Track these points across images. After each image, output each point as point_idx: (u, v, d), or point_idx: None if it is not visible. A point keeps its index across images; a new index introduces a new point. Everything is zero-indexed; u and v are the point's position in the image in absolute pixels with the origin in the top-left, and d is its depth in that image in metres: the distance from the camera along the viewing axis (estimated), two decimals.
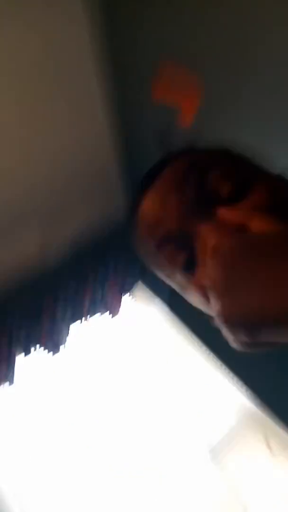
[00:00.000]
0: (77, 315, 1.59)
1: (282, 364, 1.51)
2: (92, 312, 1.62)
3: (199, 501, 1.33)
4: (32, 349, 1.49)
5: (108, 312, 1.63)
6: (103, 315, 1.64)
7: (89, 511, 1.31)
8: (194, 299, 0.43)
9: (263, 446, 1.44)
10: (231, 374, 1.52)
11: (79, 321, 1.59)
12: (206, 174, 0.40)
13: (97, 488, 1.36)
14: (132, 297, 1.72)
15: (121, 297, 1.66)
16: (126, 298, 1.69)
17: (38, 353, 1.50)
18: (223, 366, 1.54)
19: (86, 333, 1.64)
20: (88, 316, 1.61)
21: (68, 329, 1.56)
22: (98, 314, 1.64)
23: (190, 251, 0.40)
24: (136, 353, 1.70)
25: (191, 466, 1.41)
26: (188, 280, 0.42)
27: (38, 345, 1.50)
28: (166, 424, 1.53)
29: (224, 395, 1.57)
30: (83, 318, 1.59)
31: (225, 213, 0.38)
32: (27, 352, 1.49)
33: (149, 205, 0.43)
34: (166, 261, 0.43)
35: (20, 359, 1.47)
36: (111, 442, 1.49)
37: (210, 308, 0.36)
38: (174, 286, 0.48)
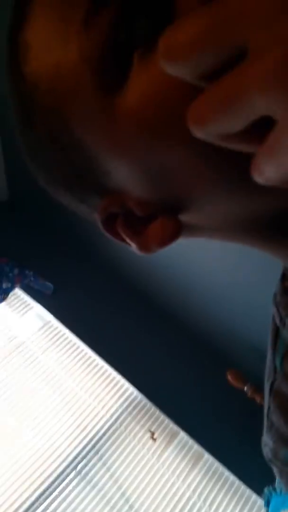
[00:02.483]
0: None
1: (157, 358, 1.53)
2: None
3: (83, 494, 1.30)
4: None
5: None
6: None
7: None
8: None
9: (146, 436, 1.43)
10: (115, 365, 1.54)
11: None
12: None
13: None
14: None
15: None
16: None
17: None
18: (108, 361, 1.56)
19: None
20: None
21: None
22: None
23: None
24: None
25: (74, 458, 1.36)
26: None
27: None
28: (46, 415, 1.46)
29: (109, 385, 1.55)
30: None
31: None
32: None
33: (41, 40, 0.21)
34: None
35: None
36: None
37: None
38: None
